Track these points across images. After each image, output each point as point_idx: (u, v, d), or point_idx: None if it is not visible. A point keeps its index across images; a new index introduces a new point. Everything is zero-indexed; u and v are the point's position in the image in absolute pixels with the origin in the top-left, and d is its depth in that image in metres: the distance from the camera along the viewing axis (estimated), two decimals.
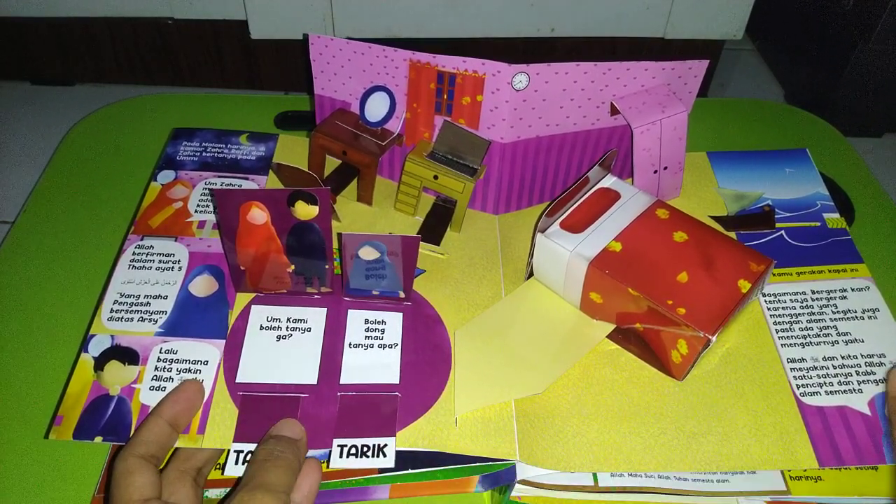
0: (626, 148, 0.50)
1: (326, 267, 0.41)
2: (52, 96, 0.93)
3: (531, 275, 0.45)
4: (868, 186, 0.57)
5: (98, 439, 0.36)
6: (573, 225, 0.43)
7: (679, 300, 0.39)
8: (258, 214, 0.38)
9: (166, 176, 0.49)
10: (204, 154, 0.51)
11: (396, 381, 0.39)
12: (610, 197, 0.45)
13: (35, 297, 0.49)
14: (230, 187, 0.48)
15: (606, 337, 0.43)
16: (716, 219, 0.49)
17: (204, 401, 0.37)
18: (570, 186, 0.44)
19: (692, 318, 0.38)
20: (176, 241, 0.45)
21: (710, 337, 0.37)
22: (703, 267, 0.40)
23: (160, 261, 0.44)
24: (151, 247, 0.44)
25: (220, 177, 0.49)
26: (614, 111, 0.47)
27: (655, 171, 0.48)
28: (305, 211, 0.38)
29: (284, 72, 0.93)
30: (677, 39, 0.88)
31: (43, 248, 0.52)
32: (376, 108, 0.48)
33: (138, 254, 0.44)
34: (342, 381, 0.39)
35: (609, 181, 0.46)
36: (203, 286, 0.42)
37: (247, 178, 0.49)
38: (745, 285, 0.40)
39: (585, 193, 0.45)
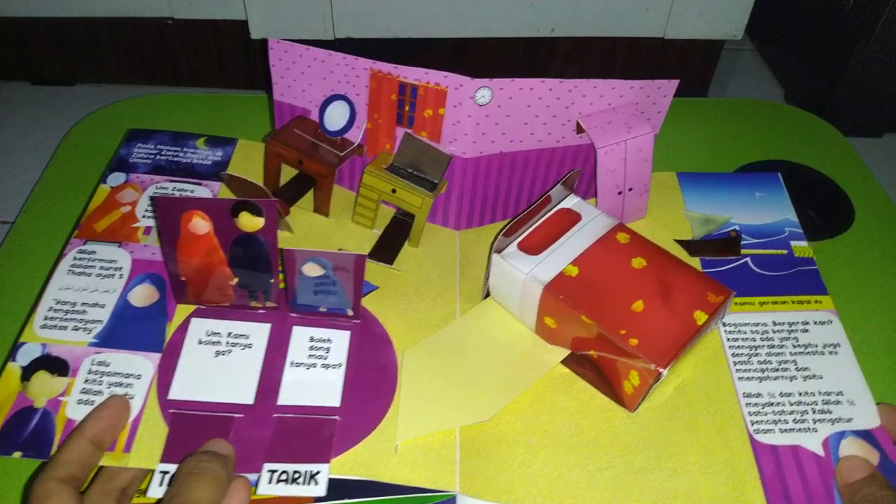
0: (591, 167, 0.49)
1: (271, 281, 0.39)
2: (52, 96, 0.93)
3: (488, 294, 0.44)
4: (868, 186, 0.57)
5: (17, 454, 0.34)
6: (531, 246, 0.42)
7: (632, 330, 0.38)
8: (200, 224, 0.37)
9: (117, 178, 0.47)
10: (158, 157, 0.49)
11: (337, 403, 0.37)
12: (571, 218, 0.44)
13: (34, 297, 0.47)
14: (175, 194, 0.46)
15: (561, 362, 0.41)
16: (680, 243, 0.47)
17: (131, 418, 0.36)
18: (530, 206, 0.42)
19: (644, 350, 0.37)
20: (120, 246, 0.43)
21: (662, 370, 0.36)
22: (659, 296, 0.39)
23: (101, 267, 0.42)
24: (94, 252, 0.43)
25: (172, 181, 0.47)
26: (580, 129, 0.46)
27: (620, 193, 0.47)
28: (250, 223, 0.37)
29: None
30: (677, 39, 0.88)
31: (43, 248, 0.51)
32: (336, 117, 0.46)
33: (79, 259, 0.42)
34: (279, 402, 0.37)
35: (571, 202, 0.45)
36: (143, 295, 0.41)
37: (200, 184, 0.47)
38: (701, 317, 0.38)
39: (546, 213, 0.44)
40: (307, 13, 0.81)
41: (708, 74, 0.97)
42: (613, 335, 0.37)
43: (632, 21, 0.85)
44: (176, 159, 0.49)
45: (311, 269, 0.37)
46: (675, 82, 0.45)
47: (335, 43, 0.87)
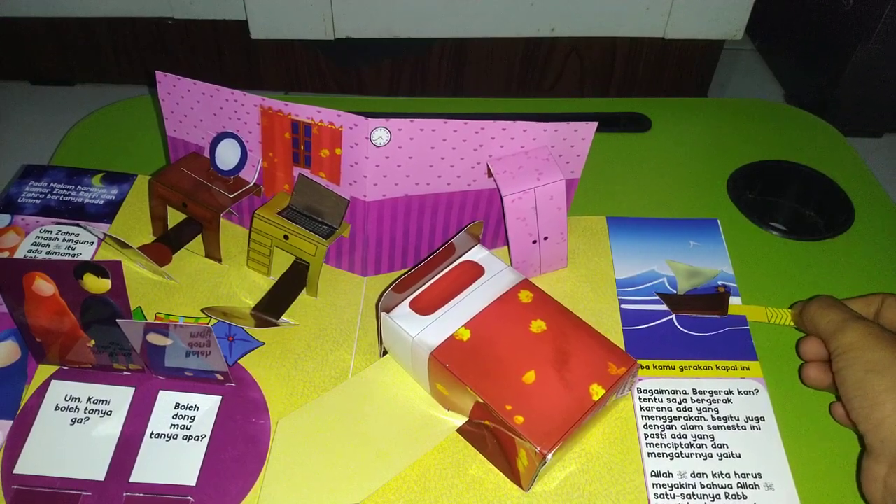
0: None
1: (131, 344, 0.36)
2: (52, 96, 0.93)
3: (386, 352, 0.41)
4: (868, 186, 0.56)
5: None
6: (423, 305, 0.38)
7: (519, 406, 0.34)
8: (44, 286, 0.34)
9: (2, 220, 0.45)
10: (49, 196, 0.46)
11: (192, 482, 0.34)
12: (472, 273, 0.40)
13: None
14: (59, 237, 0.43)
15: (458, 431, 0.38)
16: (662, 297, 0.43)
17: None
18: (429, 256, 0.39)
19: (529, 430, 0.33)
20: None
21: (546, 454, 0.33)
22: (554, 366, 0.35)
23: None
24: None
25: (57, 223, 0.44)
26: (491, 173, 0.42)
27: (535, 242, 0.43)
28: (96, 284, 0.34)
29: (284, 72, 0.93)
30: (677, 39, 0.88)
31: None
32: (227, 155, 0.43)
33: None
34: (132, 479, 0.34)
35: (478, 254, 0.41)
36: (2, 354, 0.38)
37: (88, 226, 0.44)
38: (597, 392, 0.35)
39: (448, 266, 0.40)
40: (307, 13, 0.81)
41: (708, 74, 0.96)
42: (499, 410, 0.34)
43: (632, 21, 0.85)
44: (67, 199, 0.46)
45: (157, 339, 0.34)
46: (594, 125, 0.41)
47: (335, 43, 0.86)
